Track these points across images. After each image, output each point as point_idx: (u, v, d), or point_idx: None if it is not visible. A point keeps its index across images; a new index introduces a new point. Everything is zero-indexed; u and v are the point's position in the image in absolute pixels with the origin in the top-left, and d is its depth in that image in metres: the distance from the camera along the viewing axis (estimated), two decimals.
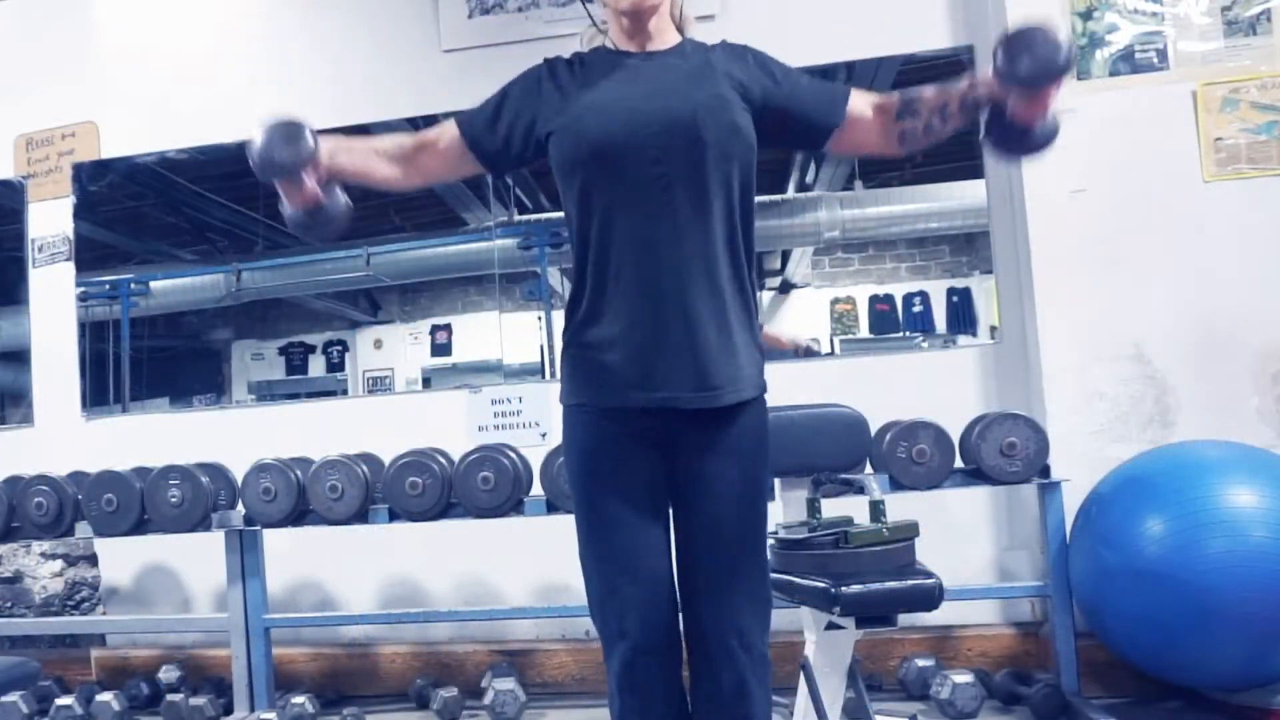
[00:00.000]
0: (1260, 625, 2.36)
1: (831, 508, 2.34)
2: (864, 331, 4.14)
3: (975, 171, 3.40)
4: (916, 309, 4.10)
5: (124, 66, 3.96)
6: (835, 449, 2.53)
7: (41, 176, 4.00)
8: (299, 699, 3.05)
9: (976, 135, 1.55)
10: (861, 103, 1.58)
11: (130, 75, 3.95)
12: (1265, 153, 2.99)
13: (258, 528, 3.09)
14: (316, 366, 4.89)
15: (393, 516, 3.01)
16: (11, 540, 3.35)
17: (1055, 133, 1.47)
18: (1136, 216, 3.03)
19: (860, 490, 2.24)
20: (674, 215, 1.46)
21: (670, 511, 1.56)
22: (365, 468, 3.00)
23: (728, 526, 1.51)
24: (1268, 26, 3.03)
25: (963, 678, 2.77)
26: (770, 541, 2.09)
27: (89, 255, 4.00)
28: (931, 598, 1.92)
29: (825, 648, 2.07)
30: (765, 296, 4.40)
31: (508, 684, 3.01)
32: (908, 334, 4.11)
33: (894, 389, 3.18)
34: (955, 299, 3.95)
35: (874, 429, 2.77)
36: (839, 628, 2.02)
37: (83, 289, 3.99)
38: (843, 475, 2.38)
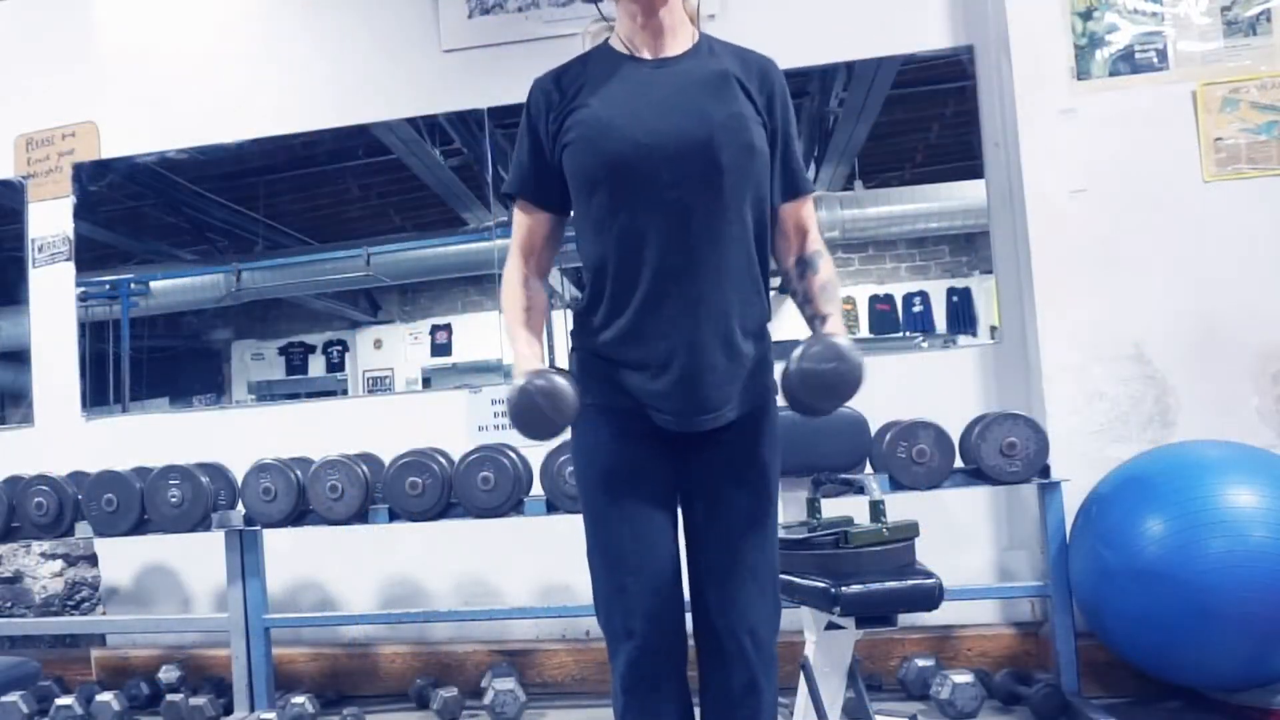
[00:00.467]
0: (1260, 625, 2.36)
1: (831, 508, 2.34)
2: (864, 331, 4.12)
3: (975, 171, 3.39)
4: (916, 309, 4.08)
5: (124, 66, 3.96)
6: (835, 449, 2.54)
7: (41, 176, 4.01)
8: (299, 699, 3.05)
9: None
10: (795, 215, 1.57)
11: (130, 75, 3.95)
12: (1265, 153, 2.99)
13: (258, 528, 3.09)
14: (316, 366, 4.88)
15: (393, 516, 3.01)
16: (11, 540, 3.35)
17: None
18: (1136, 216, 3.03)
19: (860, 490, 2.24)
20: (689, 237, 1.43)
21: (679, 509, 1.55)
22: (365, 468, 3.00)
23: (739, 523, 1.50)
24: (1268, 26, 3.03)
25: (963, 678, 2.78)
26: None
27: (89, 255, 4.00)
28: (931, 598, 1.93)
29: (825, 648, 2.07)
30: None
31: (508, 684, 3.01)
32: (908, 334, 4.10)
33: (894, 389, 3.17)
34: (955, 299, 3.94)
35: (874, 429, 2.78)
36: (839, 628, 2.02)
37: (83, 289, 3.99)
38: (843, 475, 2.38)
